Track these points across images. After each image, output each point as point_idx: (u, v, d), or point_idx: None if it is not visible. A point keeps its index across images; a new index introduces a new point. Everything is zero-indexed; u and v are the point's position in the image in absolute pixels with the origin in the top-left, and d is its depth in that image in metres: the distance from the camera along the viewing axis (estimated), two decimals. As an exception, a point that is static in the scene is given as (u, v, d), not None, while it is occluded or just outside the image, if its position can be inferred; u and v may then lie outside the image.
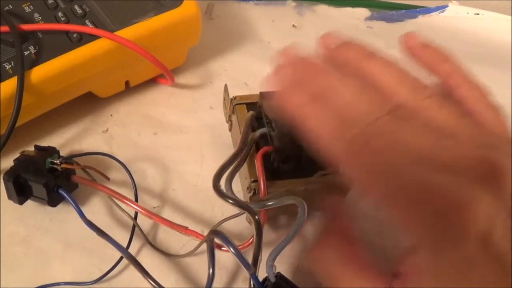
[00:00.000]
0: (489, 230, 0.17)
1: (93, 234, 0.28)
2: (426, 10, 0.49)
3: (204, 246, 0.27)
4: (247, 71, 0.41)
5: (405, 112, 0.20)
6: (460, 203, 0.17)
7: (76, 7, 0.35)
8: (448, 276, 0.18)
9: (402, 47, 0.25)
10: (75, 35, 0.33)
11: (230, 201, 0.25)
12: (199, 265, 0.30)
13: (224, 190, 0.26)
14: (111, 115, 0.37)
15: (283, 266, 0.30)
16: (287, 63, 0.23)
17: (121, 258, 0.29)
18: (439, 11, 0.49)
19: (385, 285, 0.21)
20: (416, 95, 0.21)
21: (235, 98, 0.32)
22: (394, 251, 0.22)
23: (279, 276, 0.24)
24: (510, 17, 0.47)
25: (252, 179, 0.28)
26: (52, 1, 0.35)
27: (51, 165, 0.29)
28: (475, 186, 0.18)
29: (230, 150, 0.33)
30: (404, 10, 0.49)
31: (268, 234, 0.31)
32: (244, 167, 0.29)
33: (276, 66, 0.23)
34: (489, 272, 0.17)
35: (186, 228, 0.29)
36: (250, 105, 0.32)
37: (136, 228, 0.31)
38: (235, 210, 0.26)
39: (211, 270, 0.26)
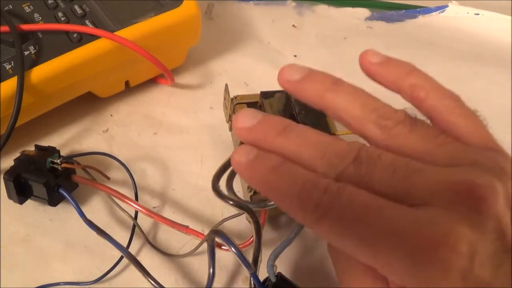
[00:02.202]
0: (469, 264, 0.16)
1: (93, 233, 0.28)
2: (426, 10, 0.49)
3: (204, 246, 0.27)
4: (247, 71, 0.41)
5: (368, 155, 0.19)
6: (438, 239, 0.17)
7: (76, 7, 0.35)
8: None
9: (362, 68, 0.23)
10: (75, 35, 0.33)
11: (230, 202, 0.25)
12: (199, 265, 0.30)
13: (225, 190, 0.26)
14: (111, 115, 0.37)
15: (283, 266, 0.30)
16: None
17: (121, 258, 0.29)
18: (439, 11, 0.49)
19: None
20: (384, 125, 0.20)
21: (236, 97, 0.32)
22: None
23: (279, 276, 0.24)
24: (510, 17, 0.47)
25: (252, 179, 0.28)
26: (52, 1, 0.35)
27: (51, 165, 0.30)
28: (452, 217, 0.17)
29: (230, 150, 0.33)
30: (404, 10, 0.49)
31: (268, 233, 0.31)
32: (245, 167, 0.29)
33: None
34: None
35: (187, 227, 0.29)
36: (251, 105, 0.32)
37: (136, 228, 0.31)
38: (235, 210, 0.26)
39: (211, 270, 0.26)
